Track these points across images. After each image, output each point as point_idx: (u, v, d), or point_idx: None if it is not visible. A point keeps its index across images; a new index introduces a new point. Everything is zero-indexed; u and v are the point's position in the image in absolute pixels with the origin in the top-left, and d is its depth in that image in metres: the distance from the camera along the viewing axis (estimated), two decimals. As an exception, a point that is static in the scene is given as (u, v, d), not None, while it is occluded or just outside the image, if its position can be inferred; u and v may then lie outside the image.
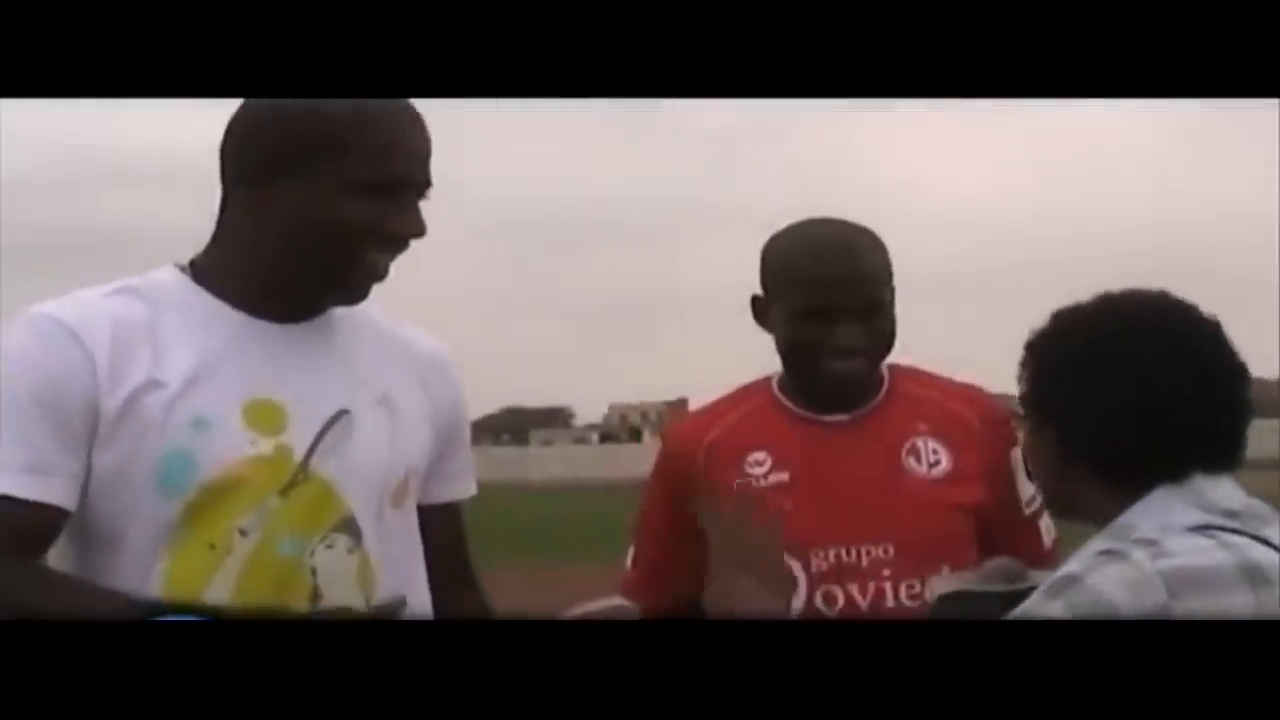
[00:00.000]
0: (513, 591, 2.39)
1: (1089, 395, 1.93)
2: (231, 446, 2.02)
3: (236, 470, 2.02)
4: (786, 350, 2.69)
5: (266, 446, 2.04)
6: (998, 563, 2.24)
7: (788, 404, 2.74)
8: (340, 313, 2.15)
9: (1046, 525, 2.74)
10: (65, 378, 1.99)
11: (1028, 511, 2.71)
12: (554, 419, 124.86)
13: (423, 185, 2.09)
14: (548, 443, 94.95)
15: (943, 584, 2.28)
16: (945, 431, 2.69)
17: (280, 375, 2.07)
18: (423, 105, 2.13)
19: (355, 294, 2.11)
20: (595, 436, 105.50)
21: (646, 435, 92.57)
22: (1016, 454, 2.64)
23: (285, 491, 2.04)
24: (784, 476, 2.68)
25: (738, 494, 2.36)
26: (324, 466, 2.07)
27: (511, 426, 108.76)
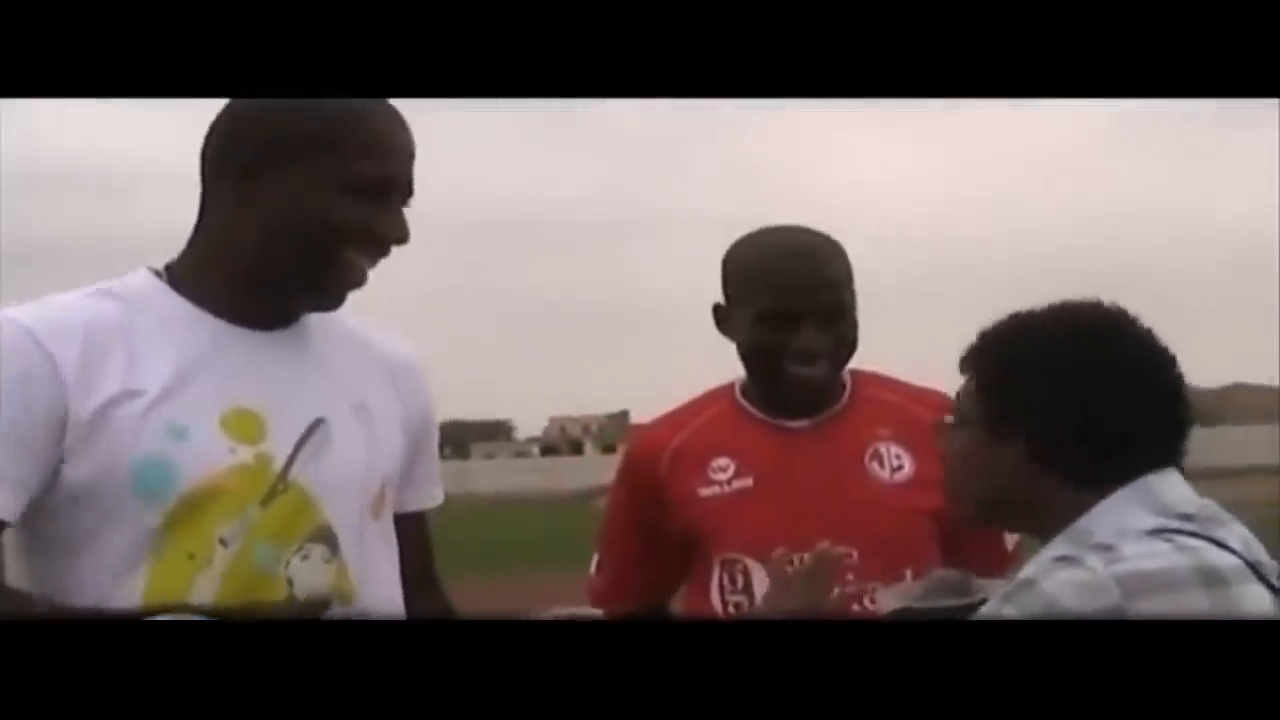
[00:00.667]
0: (473, 605, 2.37)
1: (1063, 405, 1.93)
2: (211, 455, 2.00)
3: (217, 480, 2.00)
4: (750, 355, 2.70)
5: (247, 455, 2.02)
6: (941, 575, 2.25)
7: (751, 409, 2.75)
8: (315, 319, 2.13)
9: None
10: (28, 385, 1.95)
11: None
12: (495, 432, 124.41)
13: (408, 190, 2.08)
14: (490, 456, 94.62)
15: (887, 599, 2.29)
16: (908, 436, 2.71)
17: (258, 383, 2.05)
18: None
19: (334, 299, 2.10)
20: (536, 449, 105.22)
21: (588, 447, 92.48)
22: None
23: (266, 501, 2.02)
24: (748, 482, 2.70)
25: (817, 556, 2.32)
26: (303, 476, 2.05)
27: (453, 440, 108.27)
